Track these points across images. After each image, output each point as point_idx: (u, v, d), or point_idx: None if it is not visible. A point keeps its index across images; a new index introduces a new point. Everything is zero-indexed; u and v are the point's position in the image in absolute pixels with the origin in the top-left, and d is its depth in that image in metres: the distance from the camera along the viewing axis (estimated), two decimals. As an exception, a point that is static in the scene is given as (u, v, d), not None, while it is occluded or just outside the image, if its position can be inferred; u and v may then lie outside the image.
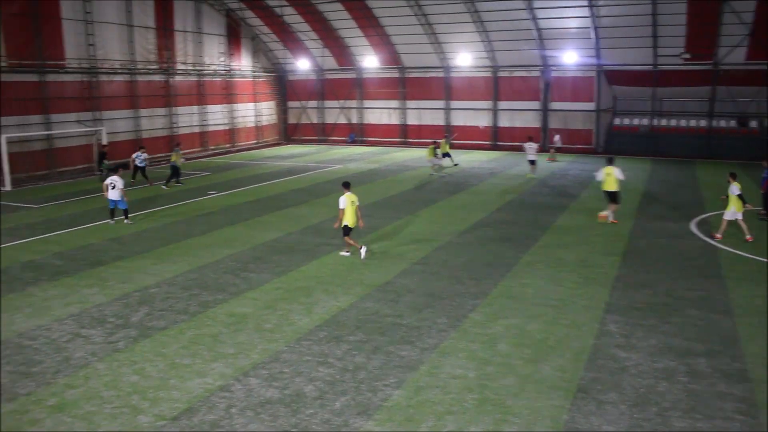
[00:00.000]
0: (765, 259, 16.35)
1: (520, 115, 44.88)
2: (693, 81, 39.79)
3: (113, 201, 21.29)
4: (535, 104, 44.29)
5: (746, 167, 33.53)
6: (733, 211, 18.04)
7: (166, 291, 14.39)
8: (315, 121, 52.65)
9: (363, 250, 16.79)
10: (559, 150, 40.07)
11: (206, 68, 44.58)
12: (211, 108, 45.34)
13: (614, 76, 42.14)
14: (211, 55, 45.17)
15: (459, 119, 47.14)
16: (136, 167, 29.97)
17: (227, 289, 14.41)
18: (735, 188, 18.02)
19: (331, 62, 50.14)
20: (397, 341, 11.34)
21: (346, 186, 17.04)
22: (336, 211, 17.63)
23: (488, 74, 45.35)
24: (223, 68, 46.34)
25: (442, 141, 34.84)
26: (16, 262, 16.98)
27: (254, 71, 50.00)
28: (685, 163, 37.36)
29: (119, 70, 37.47)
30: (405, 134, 49.39)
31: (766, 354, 10.65)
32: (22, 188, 30.03)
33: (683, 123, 41.42)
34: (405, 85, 48.62)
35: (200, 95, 44.19)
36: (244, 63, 48.83)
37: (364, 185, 29.36)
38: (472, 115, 46.55)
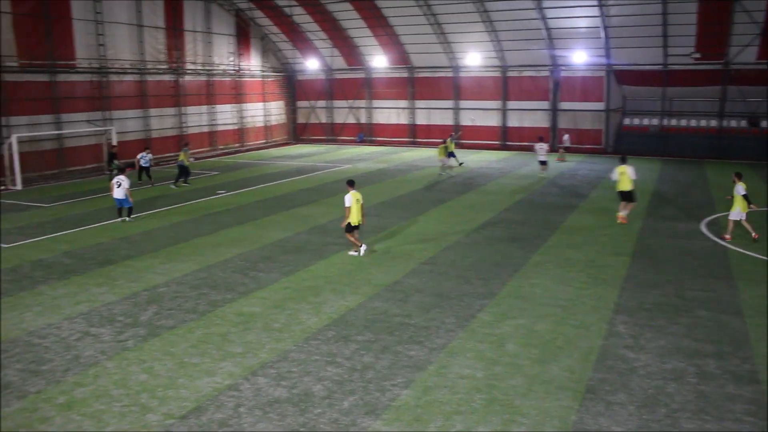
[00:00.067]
0: (776, 260, 16.26)
1: (529, 115, 44.79)
2: (703, 81, 39.58)
3: (119, 200, 21.50)
4: (545, 104, 44.17)
5: (757, 167, 33.40)
6: (738, 211, 17.97)
7: (175, 290, 14.45)
8: (324, 120, 52.71)
9: (363, 248, 17.01)
10: (568, 150, 39.94)
11: (215, 68, 44.70)
12: (220, 108, 45.48)
13: (624, 76, 41.97)
14: (221, 54, 45.29)
15: (468, 119, 47.07)
16: (141, 167, 30.09)
17: (236, 289, 14.45)
18: (740, 188, 17.92)
19: (340, 62, 50.18)
20: (405, 341, 11.34)
21: (351, 184, 17.15)
22: (343, 210, 17.64)
23: (497, 74, 45.28)
24: (232, 68, 46.45)
25: (447, 140, 34.76)
26: (26, 260, 17.09)
27: (263, 71, 50.10)
28: (695, 163, 37.17)
29: (129, 70, 37.64)
30: (414, 134, 49.37)
31: (777, 355, 10.60)
32: (33, 187, 30.22)
33: (693, 123, 41.23)
34: (414, 85, 48.60)
35: (209, 95, 44.33)
36: (253, 63, 48.94)
37: (373, 185, 29.39)
38: (481, 114, 46.47)
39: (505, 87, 45.23)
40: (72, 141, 34.54)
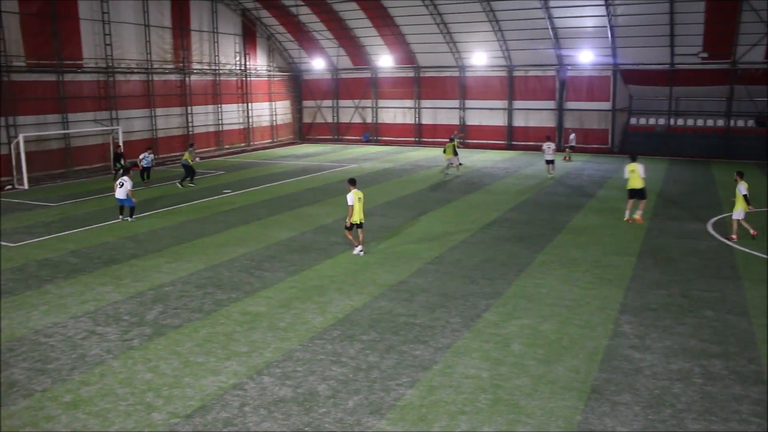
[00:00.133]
0: (783, 260, 16.18)
1: (535, 114, 44.71)
2: (710, 80, 39.44)
3: (120, 200, 21.64)
4: (551, 104, 44.08)
5: (764, 167, 33.26)
6: (741, 210, 17.95)
7: (181, 289, 14.48)
8: (330, 120, 52.74)
9: (357, 249, 17.21)
10: (574, 149, 39.82)
11: (222, 68, 44.78)
12: (226, 107, 45.58)
13: (630, 76, 41.85)
14: (227, 54, 45.37)
15: (474, 119, 47.04)
16: (143, 168, 30.07)
17: (241, 288, 14.48)
18: (742, 187, 17.93)
19: (346, 61, 50.21)
20: (410, 341, 11.33)
21: (352, 183, 17.21)
22: (346, 209, 17.67)
23: (503, 74, 45.22)
24: (238, 68, 46.53)
25: (453, 139, 34.72)
26: (32, 260, 17.16)
27: (269, 71, 50.16)
28: (702, 163, 37.04)
29: (136, 70, 37.74)
30: (420, 134, 49.35)
31: (784, 356, 10.55)
32: (39, 187, 30.34)
33: (700, 123, 41.09)
34: (420, 85, 48.58)
35: (216, 95, 44.42)
36: (259, 62, 49.01)
37: (378, 184, 29.40)
38: (487, 114, 46.42)
39: (511, 86, 45.17)
40: (78, 140, 34.67)
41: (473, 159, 38.75)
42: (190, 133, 41.90)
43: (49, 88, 32.87)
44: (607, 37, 39.35)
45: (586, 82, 42.80)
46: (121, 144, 34.04)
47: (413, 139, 49.40)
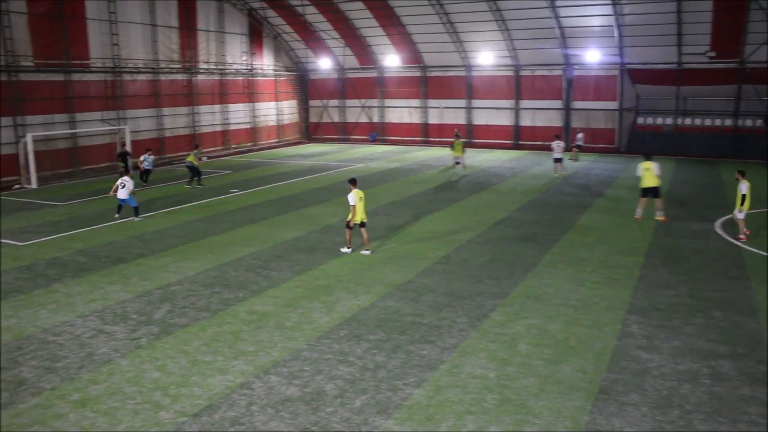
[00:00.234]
0: (791, 261, 16.10)
1: (542, 114, 44.62)
2: (718, 79, 39.26)
3: (123, 200, 21.83)
4: (557, 103, 43.98)
5: (772, 167, 33.07)
6: (741, 208, 17.98)
7: (188, 288, 14.51)
8: (336, 119, 52.75)
9: (346, 250, 17.38)
10: (581, 149, 39.67)
11: (228, 67, 44.84)
12: (233, 107, 45.64)
13: (638, 75, 41.71)
14: (234, 54, 45.43)
15: (481, 118, 46.98)
16: (144, 170, 29.98)
17: (248, 287, 14.50)
18: (744, 186, 17.90)
19: (352, 61, 50.22)
20: (417, 340, 11.33)
21: (353, 182, 17.27)
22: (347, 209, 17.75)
23: (510, 73, 45.13)
24: (245, 67, 46.59)
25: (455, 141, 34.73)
26: (41, 258, 17.23)
27: (276, 70, 50.21)
28: (710, 162, 36.87)
29: (142, 70, 37.83)
30: (426, 133, 49.31)
31: (793, 357, 10.49)
32: (47, 186, 30.45)
33: (708, 122, 40.92)
34: (426, 84, 48.54)
35: (222, 94, 44.48)
36: (266, 62, 49.06)
37: (385, 184, 29.40)
38: (493, 114, 46.36)
39: (517, 86, 45.08)
40: (86, 140, 34.77)
41: (480, 159, 38.70)
42: (197, 132, 41.99)
43: (56, 88, 32.98)
44: (614, 37, 39.23)
45: (592, 82, 42.66)
46: (127, 143, 34.13)
47: (420, 138, 49.36)
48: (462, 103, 47.29)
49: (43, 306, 13.47)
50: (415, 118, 49.67)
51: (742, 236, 18.11)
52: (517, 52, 43.56)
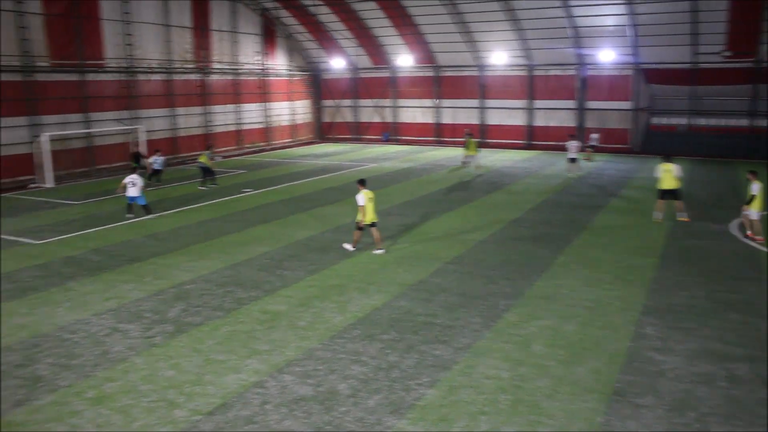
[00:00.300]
0: (808, 262, 15.94)
1: (555, 114, 44.44)
2: (734, 79, 38.90)
3: (132, 197, 22.06)
4: (571, 103, 43.78)
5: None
6: (754, 210, 17.86)
7: (202, 287, 14.58)
8: (349, 119, 52.82)
9: (348, 246, 17.47)
10: (596, 149, 39.46)
11: (242, 67, 45.02)
12: (246, 107, 45.82)
13: (652, 75, 41.44)
14: (247, 54, 45.60)
15: (494, 118, 46.86)
16: (154, 170, 30.17)
17: (262, 287, 14.54)
18: (755, 187, 17.78)
19: (365, 61, 50.25)
20: (430, 340, 11.32)
21: (362, 183, 17.31)
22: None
23: (523, 73, 44.99)
24: (258, 67, 46.74)
25: (469, 138, 34.68)
26: (56, 257, 17.37)
27: (289, 70, 50.34)
28: (725, 163, 36.58)
29: (156, 70, 38.05)
30: (439, 133, 49.25)
31: (810, 359, 10.39)
32: (63, 185, 30.69)
33: (723, 122, 40.57)
34: (439, 84, 48.48)
35: (236, 94, 44.67)
36: (278, 62, 49.20)
37: (398, 184, 29.40)
38: (506, 114, 46.24)
39: (531, 86, 44.93)
40: (100, 139, 35.02)
41: (493, 158, 38.60)
42: (211, 132, 42.19)
43: (71, 88, 33.23)
44: (628, 36, 38.99)
45: (606, 82, 42.41)
46: (140, 143, 34.35)
47: (433, 138, 49.31)
48: (475, 103, 47.20)
49: (59, 304, 13.58)
50: (428, 118, 49.61)
51: (759, 237, 17.95)
52: (530, 52, 43.42)
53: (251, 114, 46.52)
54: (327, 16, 45.75)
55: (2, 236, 19.93)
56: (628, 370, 10.09)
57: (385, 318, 12.45)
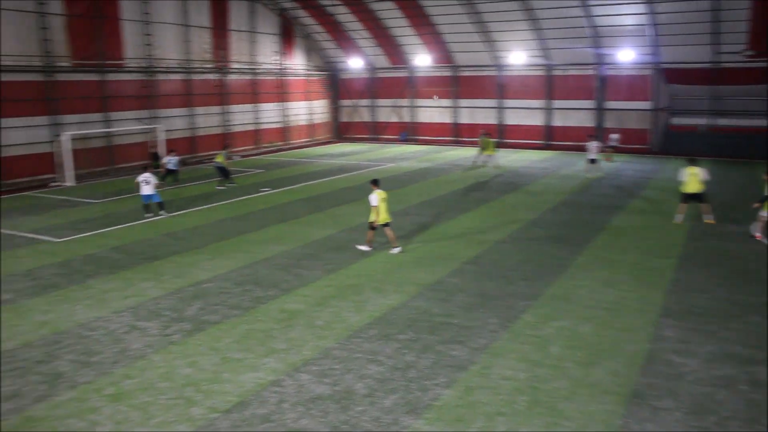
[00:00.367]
0: (832, 265, 15.70)
1: (573, 114, 44.16)
2: (755, 79, 38.37)
3: (147, 196, 22.24)
4: (590, 103, 43.48)
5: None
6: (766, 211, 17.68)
7: (220, 286, 14.66)
8: (367, 119, 52.85)
9: (364, 247, 17.45)
10: (615, 150, 39.14)
11: (260, 67, 45.22)
12: (264, 106, 46.04)
13: (672, 74, 41.03)
14: (265, 54, 45.80)
15: (512, 118, 46.68)
16: (168, 170, 30.28)
17: (279, 285, 14.59)
18: None
19: (383, 61, 50.26)
20: (447, 341, 11.30)
21: (375, 183, 17.32)
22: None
23: (542, 72, 44.76)
24: (276, 67, 46.92)
25: (486, 138, 34.59)
26: (77, 255, 17.55)
27: (307, 70, 50.49)
28: (747, 164, 36.14)
29: (175, 69, 38.33)
30: (457, 133, 49.15)
31: (833, 363, 10.23)
32: (83, 184, 31.00)
33: (744, 122, 40.06)
34: (458, 84, 48.37)
35: (254, 93, 44.89)
36: (296, 62, 49.36)
37: (416, 183, 29.37)
38: (525, 114, 46.04)
39: (549, 86, 44.70)
40: (120, 139, 35.34)
41: (511, 159, 38.44)
42: (229, 131, 42.44)
43: (92, 88, 33.55)
44: (648, 36, 38.64)
45: (625, 81, 42.06)
46: (159, 143, 34.61)
47: (451, 138, 49.21)
48: (493, 103, 47.03)
49: (78, 301, 13.72)
50: (445, 117, 49.52)
51: (758, 235, 17.81)
52: (548, 52, 43.18)
53: (269, 114, 46.72)
54: (345, 16, 45.83)
55: (23, 234, 20.19)
56: (647, 372, 10.00)
57: (402, 318, 12.45)
